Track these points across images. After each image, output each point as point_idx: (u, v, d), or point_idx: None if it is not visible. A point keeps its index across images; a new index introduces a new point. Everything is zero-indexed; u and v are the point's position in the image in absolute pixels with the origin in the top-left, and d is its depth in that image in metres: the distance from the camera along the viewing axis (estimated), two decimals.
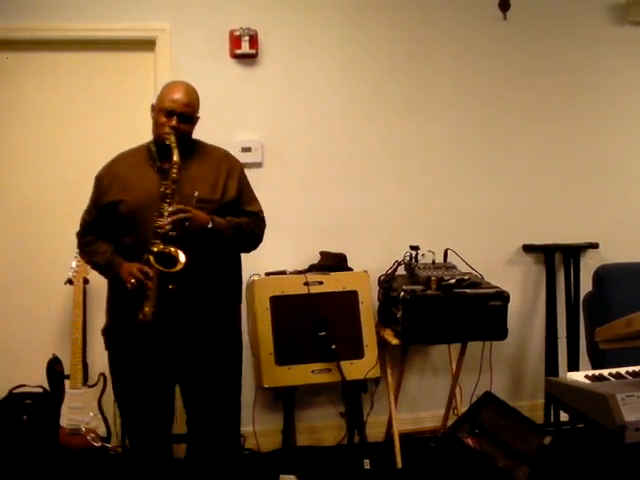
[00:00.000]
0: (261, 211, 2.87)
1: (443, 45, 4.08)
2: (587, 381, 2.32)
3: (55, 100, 3.82)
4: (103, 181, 2.78)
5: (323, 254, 3.84)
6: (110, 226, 2.74)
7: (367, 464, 3.53)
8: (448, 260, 3.85)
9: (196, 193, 2.61)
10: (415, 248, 3.79)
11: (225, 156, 2.86)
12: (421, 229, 4.04)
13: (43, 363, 3.60)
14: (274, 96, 3.92)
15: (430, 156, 4.10)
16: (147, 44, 3.80)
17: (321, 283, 3.66)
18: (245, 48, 3.80)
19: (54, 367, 3.61)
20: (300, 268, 3.76)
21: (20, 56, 3.79)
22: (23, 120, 3.82)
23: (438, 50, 4.08)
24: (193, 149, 2.77)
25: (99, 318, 3.76)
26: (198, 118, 2.79)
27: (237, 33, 3.78)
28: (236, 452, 2.98)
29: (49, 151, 3.82)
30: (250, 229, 2.77)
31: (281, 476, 3.43)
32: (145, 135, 3.77)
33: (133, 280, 2.55)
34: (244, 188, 2.83)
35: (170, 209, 2.54)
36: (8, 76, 3.79)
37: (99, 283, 3.69)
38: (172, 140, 2.61)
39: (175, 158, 2.58)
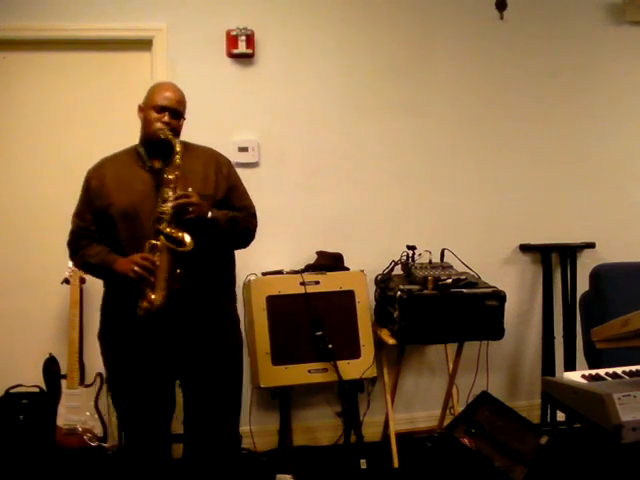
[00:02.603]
0: (253, 207, 2.87)
1: (440, 44, 4.08)
2: (584, 381, 2.33)
3: (53, 100, 3.82)
4: (91, 183, 2.75)
5: (320, 254, 3.84)
6: (104, 228, 2.71)
7: (363, 464, 3.54)
8: (445, 260, 3.86)
9: (190, 189, 2.60)
10: (412, 248, 3.80)
11: (212, 153, 2.87)
12: (418, 229, 4.04)
13: (40, 363, 3.59)
14: (271, 96, 3.91)
15: (426, 156, 4.10)
16: (144, 44, 3.79)
17: (318, 283, 3.66)
18: (242, 48, 3.79)
19: (51, 367, 3.61)
20: (297, 268, 3.76)
21: (17, 56, 3.78)
22: (21, 120, 3.81)
23: (435, 49, 4.08)
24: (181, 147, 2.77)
25: (96, 318, 3.76)
26: (185, 118, 2.80)
27: (234, 33, 3.78)
28: (235, 452, 2.97)
29: (47, 151, 3.82)
30: (244, 224, 2.78)
31: (277, 476, 3.43)
32: None
33: (136, 268, 2.51)
34: (235, 183, 2.84)
35: (175, 194, 2.55)
36: (5, 76, 3.78)
37: (96, 283, 3.69)
38: (167, 133, 2.64)
39: (177, 148, 2.61)
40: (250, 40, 3.80)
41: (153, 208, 2.57)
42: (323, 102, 3.98)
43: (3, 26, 3.66)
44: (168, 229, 2.52)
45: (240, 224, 2.75)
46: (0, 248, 3.80)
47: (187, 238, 2.51)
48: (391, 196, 4.07)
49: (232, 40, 3.79)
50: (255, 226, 2.86)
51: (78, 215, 2.78)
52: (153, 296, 2.52)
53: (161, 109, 2.69)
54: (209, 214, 2.60)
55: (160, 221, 2.53)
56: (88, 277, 3.63)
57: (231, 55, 3.83)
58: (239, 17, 3.80)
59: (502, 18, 4.12)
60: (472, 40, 4.11)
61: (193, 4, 3.81)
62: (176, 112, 2.71)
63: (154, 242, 2.53)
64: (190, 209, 2.54)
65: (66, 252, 3.56)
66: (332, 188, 4.00)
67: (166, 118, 2.67)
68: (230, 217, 2.70)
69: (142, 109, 2.77)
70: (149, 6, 3.77)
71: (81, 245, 2.76)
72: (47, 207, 3.80)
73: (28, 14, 3.67)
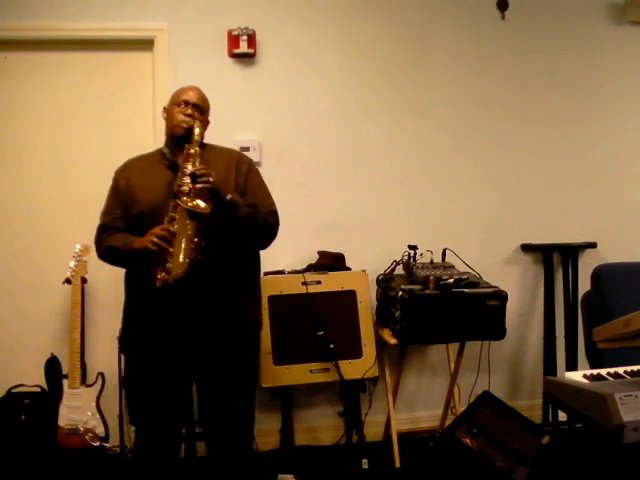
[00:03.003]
0: (273, 205, 2.86)
1: (441, 44, 4.08)
2: (585, 381, 2.32)
3: (53, 100, 3.82)
4: (119, 183, 2.81)
5: (321, 254, 3.84)
6: (131, 226, 2.74)
7: (365, 464, 3.54)
8: (446, 260, 3.85)
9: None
10: (413, 248, 3.79)
11: (234, 153, 2.94)
12: (419, 229, 4.04)
13: (41, 363, 3.59)
14: (272, 95, 3.92)
15: (428, 156, 4.10)
16: (145, 44, 3.80)
17: (319, 283, 3.66)
18: (243, 47, 3.80)
19: (52, 367, 3.61)
20: (298, 268, 3.76)
21: (18, 56, 3.78)
22: (21, 120, 3.81)
23: (436, 49, 4.08)
24: (203, 148, 2.79)
25: (97, 318, 3.78)
26: (209, 122, 2.87)
27: (235, 33, 3.78)
28: (249, 452, 2.97)
29: (47, 151, 3.82)
30: (264, 217, 2.75)
31: (279, 476, 3.42)
32: (144, 135, 3.79)
33: (155, 239, 2.50)
34: (254, 181, 2.85)
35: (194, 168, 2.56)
36: (6, 76, 3.78)
37: (97, 283, 3.72)
38: (190, 121, 2.71)
39: (197, 130, 2.67)
40: (251, 40, 3.81)
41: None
42: (324, 102, 3.98)
43: (4, 26, 3.66)
44: (184, 198, 2.52)
45: (260, 216, 2.72)
46: (1, 248, 3.80)
47: (201, 204, 2.50)
48: (392, 196, 4.07)
49: (233, 40, 3.80)
50: (276, 224, 2.84)
51: (106, 213, 2.83)
52: (171, 265, 2.50)
53: (184, 103, 2.77)
54: (228, 196, 2.59)
55: (180, 194, 2.54)
56: (90, 277, 3.63)
57: (232, 55, 3.84)
58: (240, 17, 3.80)
59: (503, 18, 4.12)
60: (473, 40, 4.11)
61: (194, 4, 3.81)
62: (200, 107, 2.79)
63: (172, 214, 2.54)
64: (209, 179, 2.53)
65: (68, 252, 3.60)
66: (334, 188, 4.00)
67: (189, 111, 2.74)
68: (251, 204, 2.70)
69: (166, 109, 2.84)
70: (150, 6, 3.77)
71: (106, 235, 2.79)
72: (48, 207, 3.81)
73: (29, 14, 3.67)
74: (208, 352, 2.72)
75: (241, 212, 2.64)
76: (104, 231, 2.81)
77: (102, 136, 3.82)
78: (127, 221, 2.75)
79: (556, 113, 4.21)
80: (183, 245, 2.51)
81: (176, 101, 2.79)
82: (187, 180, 2.54)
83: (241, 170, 2.81)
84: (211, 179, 2.53)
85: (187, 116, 2.73)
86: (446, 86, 4.10)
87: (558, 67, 4.19)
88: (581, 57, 4.22)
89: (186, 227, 2.52)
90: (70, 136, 3.83)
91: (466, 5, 4.09)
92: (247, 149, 3.79)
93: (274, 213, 2.84)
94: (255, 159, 3.80)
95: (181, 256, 2.51)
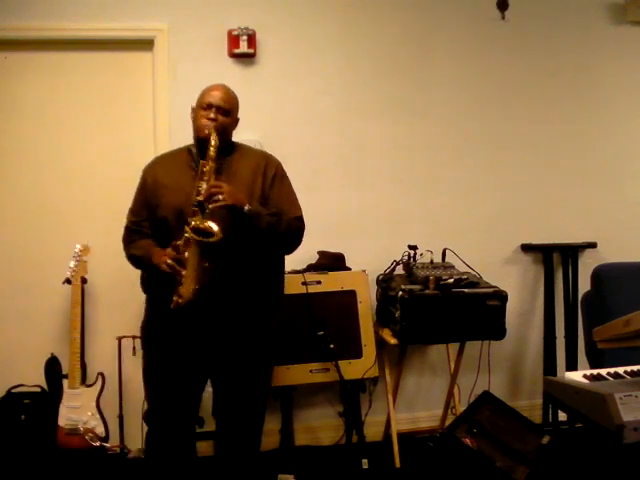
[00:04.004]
0: (299, 210, 2.85)
1: (441, 44, 4.08)
2: (585, 381, 2.32)
3: (53, 100, 3.81)
4: (147, 181, 2.82)
5: (321, 254, 3.84)
6: (156, 226, 2.76)
7: (365, 464, 3.54)
8: (446, 260, 3.85)
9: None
10: (413, 248, 3.79)
11: (263, 156, 2.91)
12: (419, 229, 4.04)
13: (41, 363, 3.59)
14: (272, 96, 3.91)
15: (428, 155, 4.10)
16: (145, 44, 3.79)
17: (319, 283, 3.67)
18: (243, 48, 3.79)
19: (52, 367, 3.61)
20: (298, 268, 3.75)
21: (18, 56, 3.78)
22: (21, 120, 3.81)
23: (436, 49, 4.08)
24: (232, 149, 2.80)
25: (97, 318, 3.78)
26: (238, 120, 2.87)
27: (235, 33, 3.78)
28: (256, 452, 2.99)
29: (47, 151, 3.82)
30: (287, 225, 2.75)
31: (279, 476, 3.43)
32: (144, 135, 3.79)
33: (169, 261, 2.53)
34: (280, 185, 2.83)
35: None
36: (6, 76, 3.78)
37: (98, 283, 3.72)
38: (211, 129, 2.67)
39: (212, 142, 2.62)
40: (251, 40, 3.80)
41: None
42: (324, 102, 3.98)
43: (3, 26, 3.65)
44: (195, 221, 2.51)
45: (283, 224, 2.72)
46: (1, 248, 3.80)
47: (214, 227, 2.48)
48: (392, 196, 4.07)
49: (233, 40, 3.79)
50: (301, 230, 2.84)
51: (133, 211, 2.86)
52: (183, 290, 2.53)
53: (207, 106, 2.74)
54: (246, 207, 2.58)
55: (194, 214, 2.54)
56: (89, 277, 3.63)
57: (232, 55, 3.83)
58: (240, 17, 3.80)
59: (503, 18, 4.12)
60: (473, 40, 4.11)
61: (194, 4, 3.81)
62: (223, 109, 2.75)
63: (186, 235, 2.54)
64: (220, 197, 2.52)
65: (68, 252, 3.60)
66: (334, 188, 4.00)
67: (212, 115, 2.72)
68: (274, 212, 2.70)
69: (193, 110, 2.82)
70: (150, 6, 3.76)
71: (132, 239, 2.82)
72: (48, 207, 3.80)
73: (29, 14, 3.67)
74: (227, 353, 2.74)
75: (262, 221, 2.63)
76: (129, 235, 2.84)
77: (102, 136, 3.82)
78: (152, 223, 2.78)
79: (556, 113, 4.21)
80: (194, 270, 2.53)
81: (200, 103, 2.77)
82: (200, 196, 2.54)
83: (268, 175, 2.80)
84: (221, 196, 2.52)
85: (210, 120, 2.71)
86: (446, 86, 4.10)
87: (558, 67, 4.19)
88: (581, 57, 4.22)
89: (197, 252, 2.53)
90: (70, 136, 3.82)
91: (466, 5, 4.09)
92: None
93: (299, 219, 2.83)
94: None
95: (191, 282, 2.53)
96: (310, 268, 3.76)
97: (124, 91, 3.85)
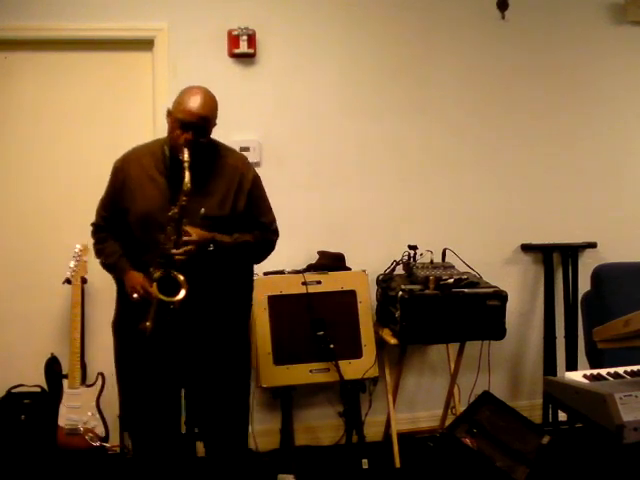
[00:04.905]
0: (272, 222, 2.86)
1: (442, 44, 4.08)
2: (585, 381, 2.32)
3: (53, 100, 3.81)
4: (118, 177, 2.77)
5: (321, 254, 3.84)
6: (122, 227, 2.76)
7: (365, 464, 3.54)
8: (446, 260, 3.85)
9: (202, 210, 2.56)
10: (413, 248, 3.79)
11: (239, 167, 2.79)
12: (419, 229, 4.03)
13: (41, 363, 3.59)
14: (272, 96, 3.91)
15: (428, 155, 4.10)
16: (145, 44, 3.79)
17: (319, 283, 3.67)
18: (243, 47, 3.79)
19: (52, 367, 3.61)
20: (298, 268, 3.76)
21: (18, 56, 3.78)
22: (21, 120, 3.81)
23: (437, 49, 4.07)
24: (208, 159, 2.71)
25: (97, 318, 3.77)
26: (215, 124, 2.74)
27: (235, 32, 3.78)
28: (244, 453, 3.00)
29: (47, 151, 3.81)
30: (258, 243, 2.78)
31: (279, 476, 3.43)
32: (144, 135, 3.78)
33: (135, 295, 2.60)
34: (256, 199, 2.81)
35: (179, 239, 2.54)
36: (6, 76, 3.78)
37: (97, 283, 3.71)
38: (186, 158, 2.53)
39: (186, 180, 2.50)
40: (251, 40, 3.80)
41: (164, 217, 2.56)
42: (325, 102, 3.97)
43: (3, 26, 3.65)
44: (161, 273, 2.55)
45: (253, 245, 2.75)
46: (1, 248, 3.80)
47: (182, 293, 2.54)
48: (393, 196, 4.06)
49: (233, 40, 3.79)
50: (273, 242, 2.88)
51: (103, 205, 2.86)
52: (147, 323, 2.58)
53: (184, 126, 2.58)
54: (210, 247, 2.59)
55: (162, 257, 2.55)
56: (90, 277, 3.63)
57: (232, 55, 3.83)
58: (240, 17, 3.80)
59: (503, 18, 4.11)
60: (474, 40, 4.10)
61: (194, 4, 3.80)
62: (200, 130, 2.60)
63: (157, 273, 2.56)
64: (185, 250, 2.54)
65: (67, 252, 3.60)
66: (334, 188, 3.99)
67: (189, 137, 2.57)
68: (240, 242, 2.71)
69: (169, 114, 2.67)
70: (150, 6, 3.76)
71: (100, 237, 2.84)
72: (48, 207, 3.80)
73: (28, 14, 3.66)
74: (201, 358, 2.74)
75: (230, 253, 2.68)
76: (99, 230, 2.86)
77: (102, 136, 3.81)
78: (119, 221, 2.77)
79: (556, 113, 4.20)
80: (156, 308, 2.57)
81: (177, 117, 2.59)
82: (173, 249, 2.54)
83: (243, 189, 2.75)
84: (187, 248, 2.53)
85: (187, 142, 2.56)
86: (446, 86, 4.09)
87: (558, 67, 4.19)
88: (581, 57, 4.22)
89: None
90: (70, 136, 3.82)
91: (466, 5, 4.08)
92: (247, 149, 3.79)
93: (274, 232, 2.86)
94: (255, 159, 3.81)
95: (153, 317, 2.58)
96: (310, 268, 3.76)
97: (124, 91, 3.85)
